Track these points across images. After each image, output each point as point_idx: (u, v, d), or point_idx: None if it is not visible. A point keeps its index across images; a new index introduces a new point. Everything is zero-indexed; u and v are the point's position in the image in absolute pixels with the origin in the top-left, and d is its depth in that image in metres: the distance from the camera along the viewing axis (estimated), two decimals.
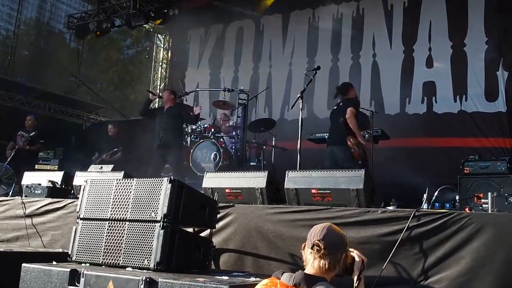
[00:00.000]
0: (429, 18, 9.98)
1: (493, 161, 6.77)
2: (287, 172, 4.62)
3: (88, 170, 6.43)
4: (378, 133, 7.97)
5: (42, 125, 10.05)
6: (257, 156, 9.34)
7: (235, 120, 9.23)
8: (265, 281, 2.57)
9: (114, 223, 3.71)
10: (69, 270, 3.28)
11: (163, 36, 14.72)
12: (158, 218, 3.51)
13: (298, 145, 6.24)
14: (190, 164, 8.45)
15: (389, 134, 8.19)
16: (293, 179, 4.51)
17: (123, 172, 5.62)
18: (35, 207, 5.68)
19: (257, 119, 9.62)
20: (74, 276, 3.25)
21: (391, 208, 4.53)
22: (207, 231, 4.22)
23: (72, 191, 6.15)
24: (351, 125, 7.01)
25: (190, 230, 4.09)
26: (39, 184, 6.10)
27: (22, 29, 14.32)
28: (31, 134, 9.26)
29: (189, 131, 9.07)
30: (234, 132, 9.01)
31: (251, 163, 9.16)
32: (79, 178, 5.98)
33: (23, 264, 3.49)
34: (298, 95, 6.52)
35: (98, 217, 3.82)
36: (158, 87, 14.28)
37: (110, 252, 3.62)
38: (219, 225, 4.33)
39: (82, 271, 3.26)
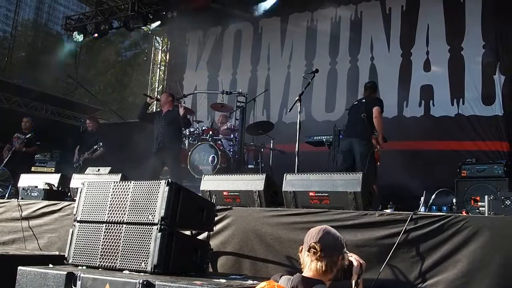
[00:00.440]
0: (426, 21, 10.01)
1: (490, 164, 6.80)
2: (285, 175, 4.61)
3: (85, 173, 6.42)
4: (375, 136, 7.96)
5: (39, 127, 10.01)
6: (255, 159, 9.34)
7: (233, 123, 9.23)
8: (262, 284, 2.57)
9: (111, 226, 3.70)
10: (65, 273, 3.26)
11: (161, 38, 14.71)
12: (156, 221, 3.50)
13: (296, 148, 6.25)
14: (188, 167, 8.45)
15: (386, 137, 8.19)
16: (291, 182, 4.51)
17: (120, 174, 5.61)
18: (31, 209, 5.67)
19: (255, 121, 9.61)
20: (71, 279, 3.23)
21: (388, 211, 4.53)
22: (205, 234, 4.21)
23: (69, 194, 6.14)
24: (378, 125, 7.14)
25: (188, 233, 4.08)
26: (36, 187, 6.08)
27: (19, 30, 14.35)
28: (27, 136, 9.23)
29: (187, 133, 9.06)
30: (232, 135, 9.01)
31: (249, 166, 9.15)
32: (76, 181, 5.97)
33: (19, 267, 3.46)
34: (296, 98, 6.54)
35: (95, 219, 3.81)
36: (156, 89, 14.27)
37: (107, 255, 3.61)
38: (216, 228, 4.33)
39: (78, 274, 3.24)
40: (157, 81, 14.53)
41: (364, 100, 7.45)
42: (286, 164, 7.51)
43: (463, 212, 4.47)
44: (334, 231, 2.70)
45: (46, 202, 5.66)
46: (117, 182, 3.93)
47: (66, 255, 3.85)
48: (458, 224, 3.53)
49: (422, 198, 4.27)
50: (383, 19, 10.52)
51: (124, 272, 3.45)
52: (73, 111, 13.72)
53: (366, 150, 7.05)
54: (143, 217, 3.58)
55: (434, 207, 5.59)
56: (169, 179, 3.62)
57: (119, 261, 3.54)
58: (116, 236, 3.64)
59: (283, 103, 11.27)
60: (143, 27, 12.90)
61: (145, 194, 3.65)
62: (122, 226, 3.64)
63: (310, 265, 2.58)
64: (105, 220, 3.74)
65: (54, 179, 6.35)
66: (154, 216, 3.52)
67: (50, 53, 14.13)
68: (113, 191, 3.81)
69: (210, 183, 5.00)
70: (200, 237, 4.30)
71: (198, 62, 13.09)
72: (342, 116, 9.89)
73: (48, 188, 6.05)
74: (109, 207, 3.77)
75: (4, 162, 7.96)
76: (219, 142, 8.85)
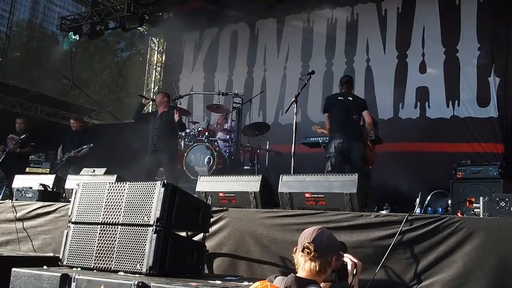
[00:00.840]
0: (422, 23, 10.04)
1: (484, 166, 6.82)
2: (281, 176, 4.62)
3: (80, 174, 6.39)
4: (371, 137, 7.99)
5: (34, 127, 9.98)
6: (251, 160, 9.34)
7: (230, 124, 9.22)
8: (256, 284, 2.58)
9: (106, 227, 3.69)
10: (60, 274, 3.24)
11: (157, 39, 14.68)
12: (151, 222, 3.49)
13: (292, 149, 6.25)
14: (184, 168, 8.44)
15: (382, 139, 8.22)
16: (287, 183, 4.51)
17: (115, 175, 5.59)
18: (26, 210, 5.65)
19: (251, 123, 9.61)
20: (65, 281, 3.22)
21: (384, 212, 4.54)
22: (200, 235, 4.20)
23: (64, 195, 6.11)
24: (375, 132, 7.28)
25: (183, 234, 4.07)
26: (30, 188, 6.05)
27: (14, 30, 14.27)
28: (21, 137, 9.20)
29: (183, 134, 9.05)
30: (228, 136, 9.00)
31: (245, 167, 9.16)
32: (71, 182, 5.95)
33: (13, 269, 3.44)
34: (293, 99, 6.53)
35: (90, 221, 3.80)
36: (152, 90, 14.24)
37: (102, 256, 3.60)
38: (212, 229, 4.32)
39: (73, 276, 3.23)
40: (153, 82, 14.50)
41: (351, 99, 7.27)
42: (282, 165, 7.53)
43: (458, 214, 4.49)
44: (328, 232, 2.70)
45: (40, 203, 5.63)
46: (112, 183, 3.92)
47: (60, 257, 3.83)
48: (453, 225, 3.54)
49: (418, 200, 4.27)
50: (379, 20, 10.54)
51: (119, 273, 3.45)
52: (69, 112, 13.63)
53: (365, 153, 7.06)
54: (138, 218, 3.57)
55: (429, 209, 5.61)
56: (165, 180, 3.61)
57: (114, 262, 3.53)
58: (111, 238, 3.63)
59: (279, 104, 11.26)
60: (139, 28, 12.88)
61: (141, 195, 3.64)
62: (117, 228, 3.63)
63: (303, 266, 2.59)
64: (100, 221, 3.73)
65: (49, 180, 6.33)
66: (150, 217, 3.51)
67: (45, 53, 14.08)
68: (108, 192, 3.80)
69: (206, 184, 4.99)
70: (196, 238, 4.29)
71: (194, 63, 13.07)
72: None
73: (43, 189, 6.02)
74: (104, 208, 3.76)
75: None
76: (215, 143, 8.84)
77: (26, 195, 5.97)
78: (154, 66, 14.57)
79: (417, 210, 4.26)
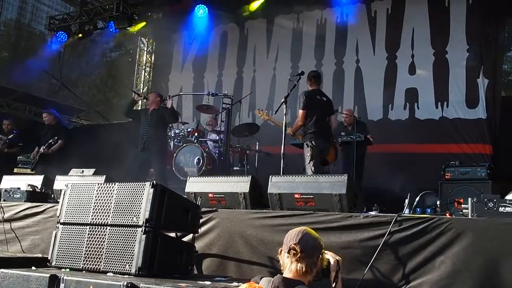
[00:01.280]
0: (412, 25, 10.10)
1: (473, 167, 6.90)
2: (270, 177, 4.62)
3: (69, 174, 6.35)
4: (361, 138, 8.03)
5: (22, 128, 9.89)
6: (240, 161, 9.33)
7: (219, 125, 9.20)
8: (243, 285, 2.58)
9: (95, 228, 3.67)
10: (48, 275, 3.22)
11: (146, 39, 14.63)
12: (140, 223, 3.48)
13: (281, 150, 6.25)
14: (173, 168, 8.41)
15: (371, 140, 8.26)
16: (277, 184, 4.51)
17: (104, 176, 5.56)
18: (14, 211, 5.60)
19: (241, 123, 9.60)
20: (54, 282, 3.19)
21: (373, 213, 4.56)
22: (190, 236, 4.20)
23: (52, 195, 6.07)
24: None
25: (173, 235, 4.06)
26: (18, 188, 5.99)
27: (2, 30, 14.16)
28: (9, 137, 9.11)
29: (172, 135, 9.02)
30: (218, 137, 8.99)
31: (235, 168, 9.15)
32: (60, 182, 5.91)
33: (1, 270, 3.40)
34: (282, 100, 6.54)
35: (79, 221, 3.78)
36: (141, 91, 14.16)
37: (91, 257, 3.58)
38: (201, 230, 4.32)
39: (62, 277, 3.21)
40: (142, 82, 14.44)
41: (325, 99, 7.27)
42: (271, 166, 7.51)
43: (447, 214, 4.51)
44: (313, 232, 2.73)
45: (29, 204, 5.59)
46: (101, 183, 3.90)
47: (49, 258, 3.81)
48: (442, 226, 3.56)
49: (407, 200, 4.30)
50: (369, 22, 10.58)
51: (108, 274, 3.43)
52: (57, 112, 13.56)
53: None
54: (127, 219, 3.55)
55: (418, 209, 5.63)
56: (154, 181, 3.60)
57: (103, 263, 3.51)
58: (100, 238, 3.61)
59: (269, 105, 11.27)
60: (128, 28, 12.81)
61: (130, 196, 3.62)
62: (106, 228, 3.62)
63: (290, 267, 2.61)
64: (89, 222, 3.72)
65: (37, 180, 6.28)
66: (139, 218, 3.50)
67: (33, 53, 13.97)
68: (97, 193, 3.78)
69: (195, 185, 4.98)
70: (185, 239, 4.29)
71: (183, 63, 13.05)
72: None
73: (31, 189, 5.97)
74: (93, 209, 3.74)
75: None
76: (204, 143, 8.82)
77: (14, 195, 5.92)
78: (143, 66, 14.52)
79: (406, 211, 4.28)
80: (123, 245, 3.49)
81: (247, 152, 9.25)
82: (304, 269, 2.58)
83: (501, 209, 3.61)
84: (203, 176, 6.08)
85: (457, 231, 3.50)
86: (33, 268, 3.58)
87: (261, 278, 2.65)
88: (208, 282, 3.22)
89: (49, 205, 5.46)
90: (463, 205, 4.19)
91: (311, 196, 4.29)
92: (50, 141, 8.47)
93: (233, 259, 4.27)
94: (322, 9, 11.18)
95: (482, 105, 9.08)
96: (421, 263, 3.57)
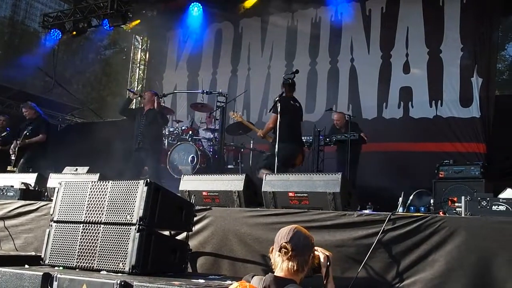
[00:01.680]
0: (406, 24, 10.12)
1: (467, 165, 6.92)
2: (264, 175, 4.62)
3: (62, 172, 6.33)
4: (355, 137, 8.04)
5: (15, 125, 9.83)
6: (234, 159, 9.33)
7: (213, 123, 9.19)
8: (234, 284, 2.58)
9: (88, 226, 3.66)
10: (41, 273, 3.20)
11: (141, 37, 14.59)
12: (134, 221, 3.47)
13: (276, 148, 6.25)
14: (168, 167, 8.40)
15: (365, 138, 8.28)
16: (271, 182, 4.51)
17: (98, 174, 5.54)
18: (7, 209, 5.57)
19: (235, 122, 9.59)
20: (47, 280, 3.18)
21: (367, 211, 4.57)
22: (184, 234, 4.19)
23: (46, 193, 6.04)
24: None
25: (166, 233, 4.06)
26: (12, 186, 5.97)
27: None
28: (3, 134, 9.05)
29: (167, 133, 9.00)
30: (212, 135, 8.98)
31: (229, 166, 9.15)
32: (53, 180, 5.87)
33: None
34: (276, 99, 6.54)
35: (72, 219, 3.76)
36: (136, 89, 14.14)
37: (84, 255, 3.57)
38: (195, 228, 4.31)
39: (55, 275, 3.19)
40: (136, 80, 14.41)
41: (298, 105, 7.22)
42: None
43: (441, 213, 4.53)
44: (304, 231, 2.72)
45: (22, 202, 5.56)
46: (95, 181, 3.88)
47: (42, 256, 3.79)
48: (436, 224, 3.57)
49: (400, 199, 4.31)
50: (363, 20, 10.60)
51: (101, 272, 3.42)
52: (51, 110, 13.50)
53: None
54: (121, 217, 3.54)
55: (412, 208, 5.66)
56: (148, 179, 3.59)
57: (97, 261, 3.50)
58: (93, 236, 3.60)
59: (263, 103, 11.28)
60: (122, 26, 12.77)
61: (123, 194, 3.61)
62: (99, 226, 3.61)
63: (281, 265, 2.60)
64: (83, 220, 3.70)
65: (31, 178, 6.25)
66: (132, 216, 3.49)
67: (27, 51, 13.91)
68: (91, 191, 3.77)
69: (190, 183, 4.98)
70: (179, 237, 4.28)
71: (178, 61, 13.02)
72: (322, 117, 9.96)
73: (25, 187, 5.94)
74: (86, 207, 3.72)
75: None
76: (198, 142, 8.81)
77: (8, 193, 5.88)
78: (138, 64, 14.49)
79: (400, 209, 4.29)
80: (117, 243, 3.47)
81: (242, 150, 9.25)
82: (295, 267, 2.57)
83: (494, 207, 3.63)
84: (197, 174, 6.07)
85: (451, 230, 3.51)
86: (26, 266, 3.55)
87: (252, 277, 2.64)
88: (202, 281, 3.21)
89: (42, 203, 5.43)
90: (456, 204, 4.20)
91: (305, 195, 4.29)
92: (25, 132, 8.25)
93: (227, 257, 4.27)
94: (316, 7, 11.18)
95: (476, 104, 9.11)
96: (415, 261, 3.58)
